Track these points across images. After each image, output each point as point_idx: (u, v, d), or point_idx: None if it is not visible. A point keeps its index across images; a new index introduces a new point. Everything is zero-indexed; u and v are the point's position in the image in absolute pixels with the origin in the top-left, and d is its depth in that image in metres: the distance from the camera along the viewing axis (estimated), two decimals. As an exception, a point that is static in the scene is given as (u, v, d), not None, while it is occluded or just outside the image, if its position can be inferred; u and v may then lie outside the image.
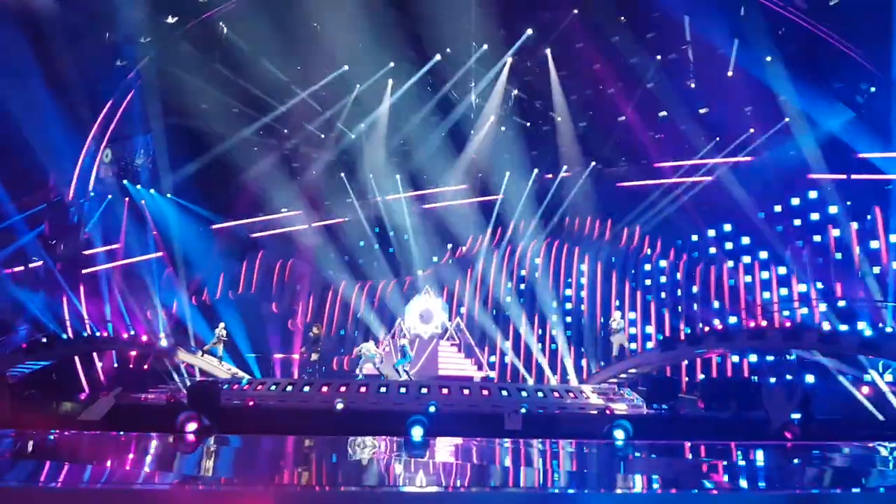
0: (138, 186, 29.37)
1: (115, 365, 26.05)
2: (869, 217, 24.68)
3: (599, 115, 28.72)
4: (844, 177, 25.17)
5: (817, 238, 25.87)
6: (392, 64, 27.76)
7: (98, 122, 27.29)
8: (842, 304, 23.39)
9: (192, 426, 10.38)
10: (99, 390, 22.20)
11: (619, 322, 22.75)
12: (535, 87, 29.12)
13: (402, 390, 18.92)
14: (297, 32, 25.42)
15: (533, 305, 28.63)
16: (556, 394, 19.46)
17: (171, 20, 26.38)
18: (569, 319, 28.62)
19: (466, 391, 18.89)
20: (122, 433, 10.34)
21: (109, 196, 28.30)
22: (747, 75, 24.46)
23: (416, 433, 10.54)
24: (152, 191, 29.56)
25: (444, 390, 18.73)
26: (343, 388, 19.04)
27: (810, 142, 24.69)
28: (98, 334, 24.24)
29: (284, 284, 31.34)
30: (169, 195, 29.47)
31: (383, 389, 19.10)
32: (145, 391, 21.60)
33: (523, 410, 16.03)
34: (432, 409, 15.83)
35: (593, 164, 29.74)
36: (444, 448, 9.54)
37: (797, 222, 26.61)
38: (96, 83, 26.25)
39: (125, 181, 29.13)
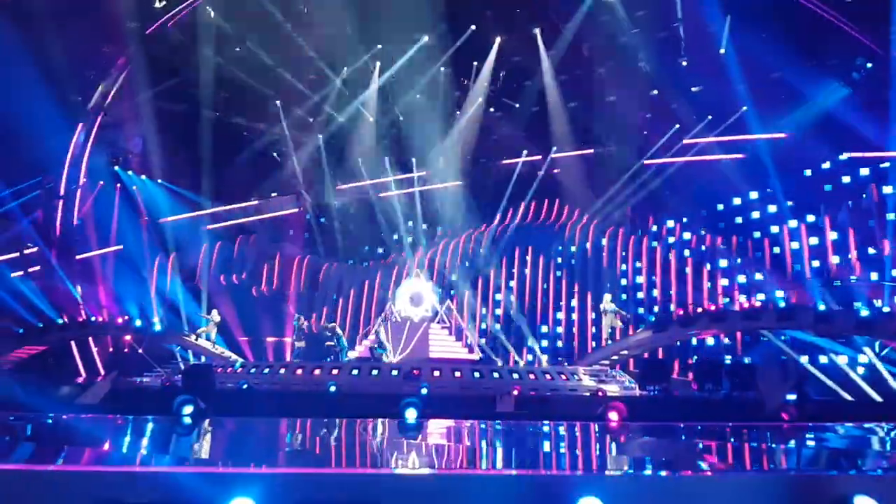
0: (129, 172, 29.25)
1: (111, 349, 26.10)
2: (864, 196, 24.68)
3: (590, 95, 28.60)
4: (845, 157, 25.19)
5: (811, 218, 25.96)
6: (379, 46, 27.57)
7: (89, 109, 27.12)
8: (837, 283, 23.46)
9: (187, 409, 10.37)
10: (95, 374, 22.26)
11: (610, 303, 22.81)
12: (524, 67, 28.97)
13: (394, 373, 18.99)
14: (285, 15, 25.20)
15: (523, 288, 28.69)
16: (548, 376, 19.53)
17: (159, 4, 26.10)
18: (560, 302, 28.70)
19: (458, 373, 18.95)
20: (119, 416, 10.34)
21: (101, 182, 28.18)
22: (740, 53, 24.36)
23: (410, 415, 10.54)
24: (143, 177, 29.42)
25: (436, 373, 18.80)
26: (335, 371, 19.09)
27: (805, 119, 24.67)
28: (93, 319, 24.23)
29: (275, 268, 31.32)
30: (160, 181, 29.36)
31: (375, 372, 19.16)
32: (141, 375, 21.67)
33: (515, 392, 16.07)
34: (424, 391, 15.85)
35: (583, 144, 29.68)
36: (438, 430, 9.58)
37: (789, 203, 26.67)
38: (86, 70, 26.03)
39: (116, 167, 29.00)
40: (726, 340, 25.04)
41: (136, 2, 25.21)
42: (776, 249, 26.24)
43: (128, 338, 25.30)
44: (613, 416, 11.49)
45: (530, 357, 27.00)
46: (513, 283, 29.00)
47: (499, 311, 28.81)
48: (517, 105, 30.03)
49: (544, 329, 28.06)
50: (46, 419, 9.11)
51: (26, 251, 26.41)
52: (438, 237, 31.40)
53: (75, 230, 27.52)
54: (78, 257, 27.20)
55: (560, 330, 27.76)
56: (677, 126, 27.56)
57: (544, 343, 27.63)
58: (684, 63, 26.49)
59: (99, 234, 27.81)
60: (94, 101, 27.15)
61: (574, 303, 28.22)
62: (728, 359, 24.16)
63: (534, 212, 30.81)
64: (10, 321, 23.60)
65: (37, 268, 26.18)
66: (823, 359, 20.84)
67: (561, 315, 28.32)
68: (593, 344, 26.04)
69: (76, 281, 26.46)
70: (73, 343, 24.58)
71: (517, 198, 30.42)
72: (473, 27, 27.14)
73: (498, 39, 27.69)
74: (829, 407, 15.74)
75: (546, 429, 9.60)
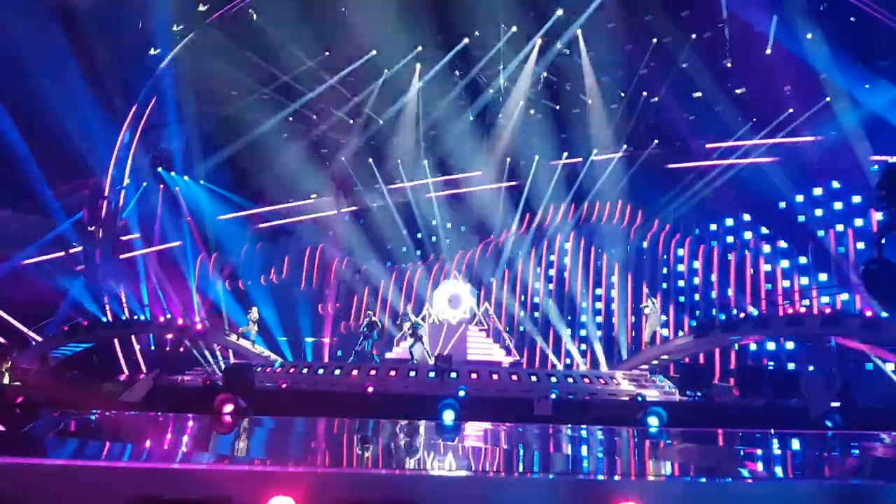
0: (172, 174, 29.85)
1: (153, 347, 26.66)
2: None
3: (631, 97, 28.19)
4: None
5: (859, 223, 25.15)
6: (420, 48, 27.61)
7: (132, 111, 27.76)
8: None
9: (228, 407, 10.55)
10: (137, 372, 22.77)
11: (652, 307, 22.47)
12: (564, 69, 28.70)
13: (431, 374, 19.02)
14: (325, 18, 25.44)
15: (562, 291, 28.47)
16: (586, 380, 19.34)
17: (202, 8, 26.58)
18: (599, 305, 28.39)
19: (495, 376, 18.91)
20: (160, 414, 10.57)
21: (145, 183, 28.82)
22: (786, 53, 23.75)
23: (448, 417, 10.55)
24: (186, 178, 30.00)
25: (474, 375, 18.77)
26: (373, 372, 19.19)
27: (853, 122, 23.94)
28: (136, 318, 24.80)
29: (315, 269, 31.67)
30: (202, 182, 29.92)
31: (413, 373, 19.21)
32: (182, 373, 22.08)
33: (553, 396, 15.95)
34: (462, 393, 15.84)
35: (624, 147, 29.31)
36: (475, 432, 9.56)
37: (837, 206, 25.86)
38: (130, 73, 26.64)
39: (159, 168, 29.62)
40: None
41: (179, 4, 25.74)
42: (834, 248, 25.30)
43: (170, 336, 25.85)
44: (652, 421, 11.34)
45: (568, 360, 26.80)
46: (552, 286, 28.82)
47: (537, 315, 28.64)
48: (557, 107, 29.78)
49: (583, 332, 27.79)
50: (90, 416, 9.34)
51: (71, 251, 27.11)
52: (477, 239, 31.35)
53: (119, 230, 28.15)
54: (121, 257, 27.83)
55: (599, 333, 27.43)
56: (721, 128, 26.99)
57: (583, 346, 27.39)
58: (728, 64, 25.94)
59: (142, 235, 28.44)
60: (138, 102, 27.77)
61: (614, 307, 27.87)
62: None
63: (573, 214, 30.50)
64: (56, 319, 24.32)
65: (81, 267, 26.86)
66: (869, 365, 20.24)
67: (600, 319, 28.02)
68: (633, 348, 25.71)
69: (120, 280, 27.09)
70: (116, 341, 25.17)
71: (557, 200, 30.21)
72: (514, 28, 26.99)
73: (538, 42, 27.48)
74: (876, 414, 15.26)
75: (584, 433, 9.50)
